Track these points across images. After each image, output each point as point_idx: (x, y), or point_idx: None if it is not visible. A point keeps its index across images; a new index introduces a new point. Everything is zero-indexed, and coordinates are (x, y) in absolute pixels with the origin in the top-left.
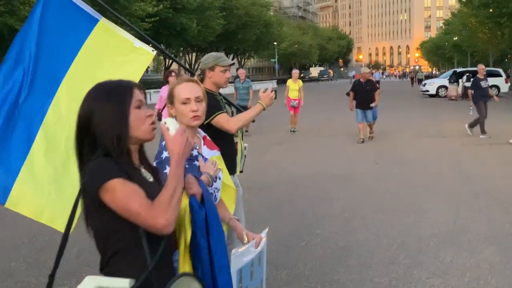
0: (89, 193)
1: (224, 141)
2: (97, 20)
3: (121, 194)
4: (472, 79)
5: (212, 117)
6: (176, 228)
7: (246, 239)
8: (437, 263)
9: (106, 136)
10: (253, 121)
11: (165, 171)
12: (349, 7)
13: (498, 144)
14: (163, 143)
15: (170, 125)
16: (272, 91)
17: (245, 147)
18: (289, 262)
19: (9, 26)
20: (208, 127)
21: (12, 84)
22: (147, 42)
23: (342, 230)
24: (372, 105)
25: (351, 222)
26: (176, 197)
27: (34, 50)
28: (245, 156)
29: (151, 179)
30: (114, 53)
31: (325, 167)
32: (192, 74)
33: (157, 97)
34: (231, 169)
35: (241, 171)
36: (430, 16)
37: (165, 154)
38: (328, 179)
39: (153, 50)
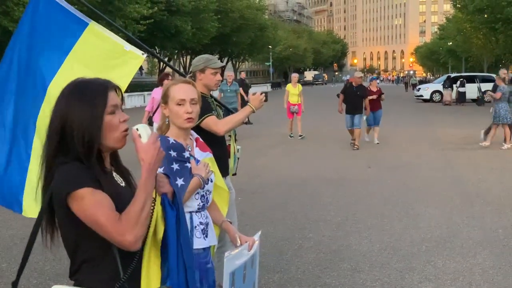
0: (58, 200)
1: (215, 143)
2: (86, 24)
3: (89, 204)
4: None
5: (201, 119)
6: None
7: (239, 241)
8: (429, 268)
9: (77, 140)
10: (251, 123)
11: (176, 182)
12: (344, 12)
13: (491, 149)
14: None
15: (142, 132)
16: (261, 93)
17: (238, 150)
18: (282, 266)
19: (3, 27)
20: (198, 130)
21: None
22: (139, 46)
23: (334, 234)
24: (364, 116)
25: (343, 226)
26: (145, 211)
27: (25, 53)
28: (238, 158)
29: (122, 184)
30: (104, 57)
31: (318, 171)
32: (184, 76)
33: None
34: (223, 172)
35: (234, 174)
36: (425, 21)
37: (175, 166)
38: (321, 183)
39: (143, 54)
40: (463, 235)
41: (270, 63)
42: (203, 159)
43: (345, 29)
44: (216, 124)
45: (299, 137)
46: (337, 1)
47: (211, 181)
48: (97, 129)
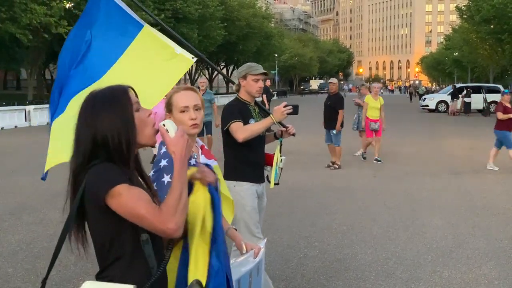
0: (93, 199)
1: (245, 149)
2: (142, 26)
3: (128, 199)
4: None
5: (228, 125)
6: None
7: (245, 249)
8: (435, 278)
9: (115, 145)
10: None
11: (163, 179)
12: (350, 21)
13: (497, 160)
14: (162, 151)
15: (169, 126)
16: (286, 105)
17: (281, 159)
18: (287, 274)
19: (9, 33)
20: (228, 135)
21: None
22: (190, 50)
23: (340, 243)
24: (333, 131)
25: (349, 235)
26: (183, 199)
27: (84, 48)
28: (281, 168)
29: (145, 187)
30: (155, 57)
31: (324, 180)
32: (234, 84)
33: None
34: (257, 178)
35: (276, 183)
36: (431, 31)
37: (163, 163)
38: (326, 192)
39: (193, 57)
40: (469, 245)
41: (276, 71)
42: None
43: (351, 38)
44: (237, 131)
45: (375, 161)
46: (343, 10)
47: (217, 190)
48: (132, 128)
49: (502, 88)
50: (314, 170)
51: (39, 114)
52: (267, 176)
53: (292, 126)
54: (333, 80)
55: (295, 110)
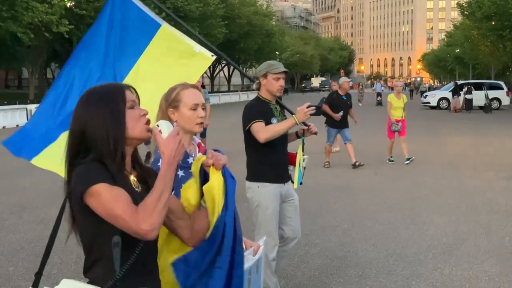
0: (75, 197)
1: (268, 149)
2: (159, 25)
3: (106, 198)
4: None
5: (249, 125)
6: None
7: (244, 246)
8: (436, 275)
9: (102, 139)
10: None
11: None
12: (352, 18)
13: (498, 157)
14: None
15: (163, 127)
16: (309, 106)
17: (304, 159)
18: (288, 272)
19: (11, 32)
20: (250, 135)
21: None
22: (209, 48)
23: (341, 241)
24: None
25: (350, 232)
26: (162, 201)
27: (103, 49)
28: (304, 168)
29: (138, 189)
30: (175, 56)
31: (325, 177)
32: (254, 82)
33: None
34: (281, 178)
35: (300, 183)
36: (432, 28)
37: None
38: (327, 189)
39: (212, 55)
40: (470, 242)
41: None
42: None
43: (352, 35)
44: (258, 131)
45: (407, 162)
46: (344, 7)
47: None
48: (121, 124)
49: (503, 85)
50: (314, 168)
51: None
52: (291, 176)
53: (314, 125)
54: (346, 79)
55: (318, 111)
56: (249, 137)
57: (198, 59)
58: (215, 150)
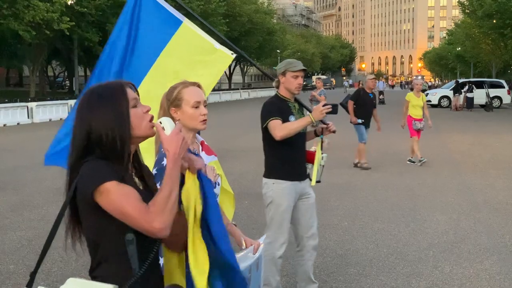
0: (83, 196)
1: (285, 146)
2: (180, 22)
3: (116, 196)
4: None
5: (266, 122)
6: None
7: (244, 244)
8: (436, 273)
9: (109, 141)
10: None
11: None
12: (353, 16)
13: (499, 156)
14: (163, 149)
15: (166, 124)
16: (324, 104)
17: (323, 157)
18: (288, 270)
19: (11, 30)
20: (267, 133)
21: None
22: (229, 46)
23: (341, 239)
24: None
25: (350, 230)
26: (172, 199)
27: (124, 45)
28: (322, 166)
29: (140, 187)
30: (195, 52)
31: (325, 175)
32: (272, 80)
33: None
34: (298, 175)
35: (318, 181)
36: (433, 26)
37: (165, 161)
38: (328, 187)
39: (232, 54)
40: (470, 241)
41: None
42: (209, 162)
43: (353, 34)
44: (275, 128)
45: (419, 163)
46: (345, 6)
47: (218, 185)
48: (126, 124)
49: (504, 83)
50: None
51: (41, 111)
52: (308, 174)
53: (332, 123)
54: (371, 76)
55: (334, 109)
56: (266, 134)
57: (218, 56)
58: (192, 153)
